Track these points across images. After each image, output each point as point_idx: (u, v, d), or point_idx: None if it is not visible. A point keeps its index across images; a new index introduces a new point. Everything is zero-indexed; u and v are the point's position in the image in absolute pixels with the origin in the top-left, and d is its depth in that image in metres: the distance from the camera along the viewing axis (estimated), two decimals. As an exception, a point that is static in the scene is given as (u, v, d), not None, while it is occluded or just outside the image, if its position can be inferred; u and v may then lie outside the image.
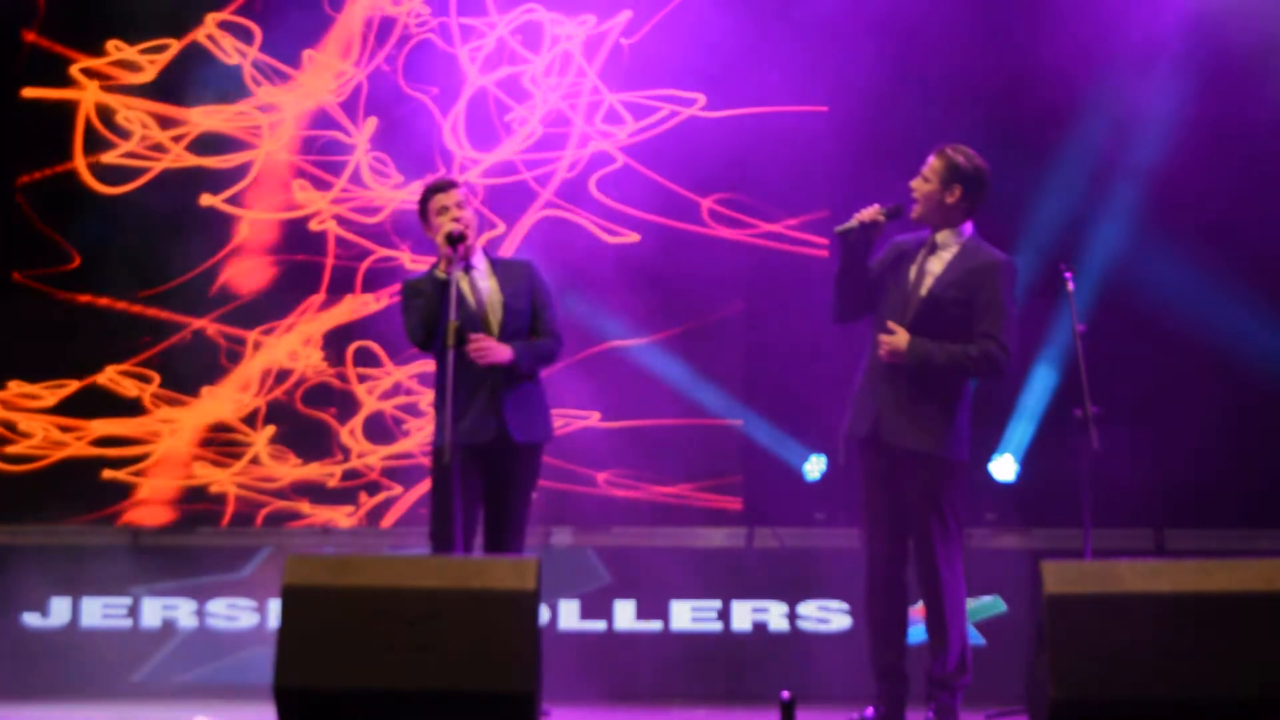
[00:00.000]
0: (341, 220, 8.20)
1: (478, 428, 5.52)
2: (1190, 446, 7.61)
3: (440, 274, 5.50)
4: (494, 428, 5.56)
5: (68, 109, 8.20)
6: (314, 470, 8.00)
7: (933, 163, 5.54)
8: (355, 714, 4.19)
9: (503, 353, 5.56)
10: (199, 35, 8.25)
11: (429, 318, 5.51)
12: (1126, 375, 7.61)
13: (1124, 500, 7.29)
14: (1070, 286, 5.88)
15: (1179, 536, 7.74)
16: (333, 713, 4.19)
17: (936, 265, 5.51)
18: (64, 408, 8.00)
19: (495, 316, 5.66)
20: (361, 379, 8.10)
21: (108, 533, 7.85)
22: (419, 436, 7.93)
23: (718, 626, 7.46)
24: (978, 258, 5.50)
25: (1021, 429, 7.72)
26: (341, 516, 7.96)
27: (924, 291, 5.48)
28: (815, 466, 7.88)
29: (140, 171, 8.16)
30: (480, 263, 5.73)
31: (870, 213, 5.47)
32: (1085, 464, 6.02)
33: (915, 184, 5.55)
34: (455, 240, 5.52)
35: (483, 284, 5.69)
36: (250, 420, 8.05)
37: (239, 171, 8.18)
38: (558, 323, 5.78)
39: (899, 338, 5.42)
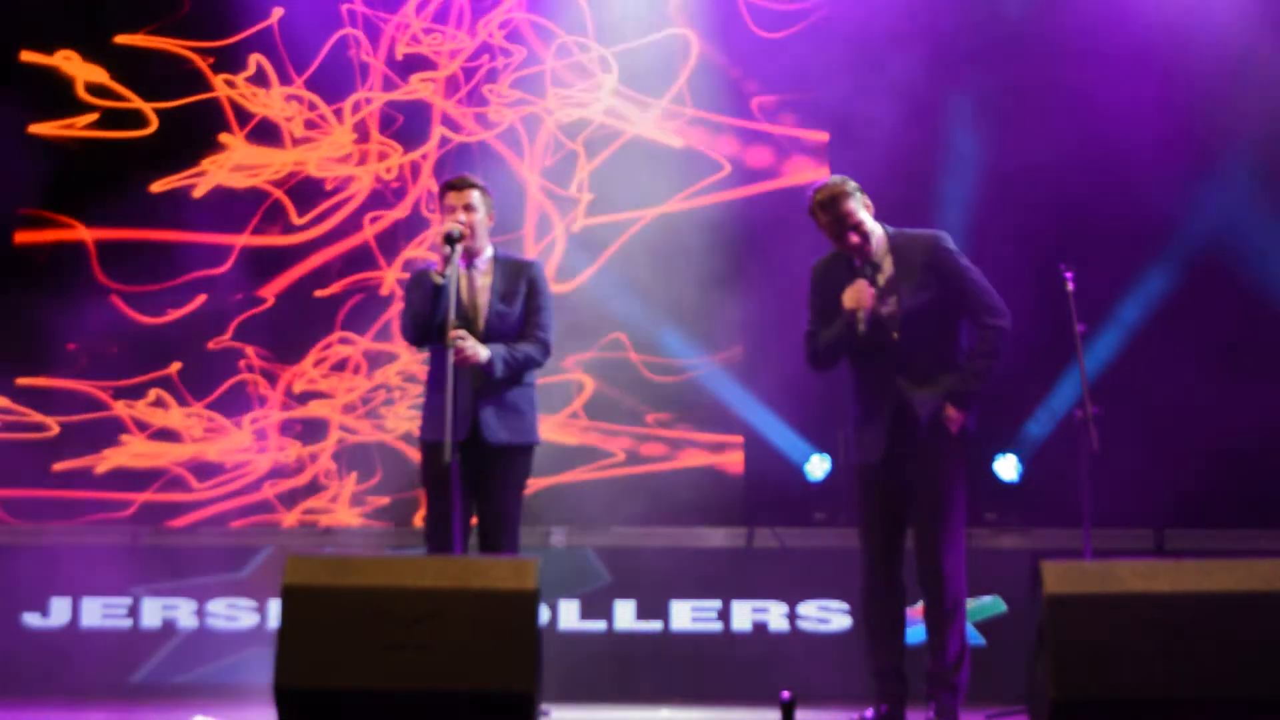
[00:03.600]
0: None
1: (455, 426, 5.47)
2: (1190, 446, 7.61)
3: (436, 276, 5.51)
4: (469, 427, 5.57)
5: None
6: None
7: (855, 207, 5.43)
8: (355, 714, 4.19)
9: (481, 354, 5.57)
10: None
11: (419, 315, 5.54)
12: (1130, 375, 7.64)
13: (1124, 500, 7.29)
14: (1070, 287, 5.88)
15: (1179, 536, 7.74)
16: (333, 713, 4.18)
17: (886, 282, 5.48)
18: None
19: (481, 317, 5.67)
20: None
21: (108, 533, 7.85)
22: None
23: (718, 626, 7.45)
24: (914, 247, 5.50)
25: (1034, 431, 7.73)
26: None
27: (894, 310, 5.44)
28: (818, 466, 7.89)
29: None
30: (483, 261, 5.75)
31: (871, 295, 5.42)
32: (1085, 464, 6.03)
33: (855, 239, 5.43)
34: (452, 240, 5.54)
35: (479, 282, 5.71)
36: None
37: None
38: (547, 329, 5.77)
39: (953, 416, 5.41)
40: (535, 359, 5.74)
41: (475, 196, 5.71)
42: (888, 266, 5.48)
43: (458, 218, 5.64)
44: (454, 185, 5.75)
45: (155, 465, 8.07)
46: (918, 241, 5.52)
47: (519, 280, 5.76)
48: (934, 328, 5.46)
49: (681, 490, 8.00)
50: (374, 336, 8.19)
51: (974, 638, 7.12)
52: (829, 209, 5.44)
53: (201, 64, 8.31)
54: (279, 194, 8.26)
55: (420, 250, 8.20)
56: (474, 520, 5.68)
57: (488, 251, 5.79)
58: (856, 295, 5.38)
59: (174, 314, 8.16)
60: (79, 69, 8.28)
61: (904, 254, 5.48)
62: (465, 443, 5.54)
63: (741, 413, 8.07)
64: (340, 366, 8.20)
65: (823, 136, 8.26)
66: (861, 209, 5.47)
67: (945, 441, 5.44)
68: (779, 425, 7.99)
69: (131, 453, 8.06)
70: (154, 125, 8.29)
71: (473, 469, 5.58)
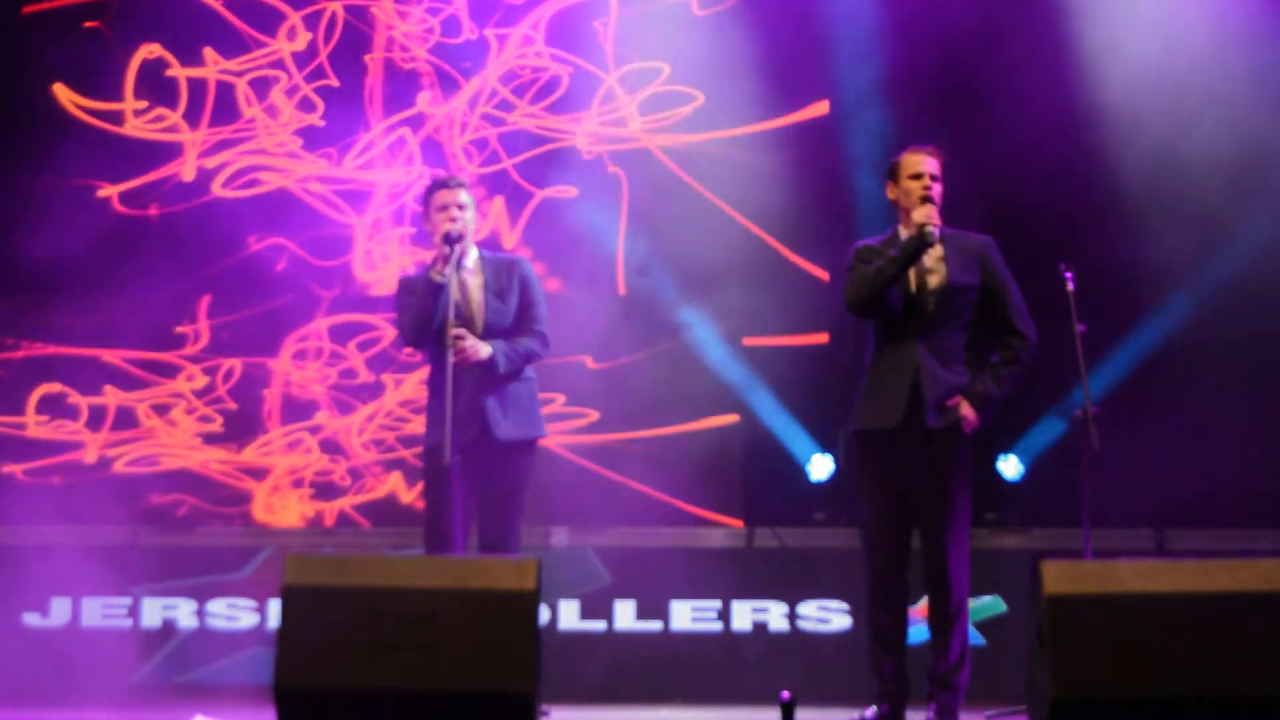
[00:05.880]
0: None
1: (461, 426, 5.51)
2: (1190, 446, 7.61)
3: (437, 276, 5.52)
4: (476, 426, 5.58)
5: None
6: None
7: (935, 163, 5.56)
8: (355, 714, 4.19)
9: (482, 351, 5.57)
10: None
11: (421, 317, 5.55)
12: (1128, 374, 7.64)
13: (1124, 500, 7.29)
14: (1070, 286, 5.89)
15: (1179, 536, 7.74)
16: (333, 713, 4.18)
17: (933, 260, 5.52)
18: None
19: (479, 315, 5.68)
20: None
21: (108, 533, 7.85)
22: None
23: (718, 626, 7.45)
24: (965, 242, 5.57)
25: (1041, 432, 7.73)
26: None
27: (940, 283, 5.48)
28: (821, 466, 7.88)
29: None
30: (471, 261, 5.76)
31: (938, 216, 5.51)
32: (1085, 464, 6.02)
33: (938, 191, 5.53)
34: (453, 240, 5.55)
35: (470, 281, 5.71)
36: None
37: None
38: (544, 321, 5.80)
39: (969, 418, 5.43)
40: (537, 352, 5.77)
41: (465, 195, 5.71)
42: (936, 250, 5.52)
43: (452, 215, 5.64)
44: (444, 184, 5.73)
45: (156, 467, 8.08)
46: (971, 238, 5.61)
47: (510, 277, 5.77)
48: (965, 315, 5.51)
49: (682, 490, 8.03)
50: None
51: (974, 638, 7.12)
52: (921, 152, 5.56)
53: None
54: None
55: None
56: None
57: (474, 251, 5.79)
58: (927, 212, 5.46)
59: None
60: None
61: (956, 243, 5.56)
62: (473, 440, 5.55)
63: (743, 411, 8.08)
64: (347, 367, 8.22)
65: (822, 108, 8.24)
66: (940, 172, 5.55)
67: (954, 442, 5.44)
68: (781, 423, 7.99)
69: (133, 456, 8.07)
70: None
71: (479, 466, 5.59)
